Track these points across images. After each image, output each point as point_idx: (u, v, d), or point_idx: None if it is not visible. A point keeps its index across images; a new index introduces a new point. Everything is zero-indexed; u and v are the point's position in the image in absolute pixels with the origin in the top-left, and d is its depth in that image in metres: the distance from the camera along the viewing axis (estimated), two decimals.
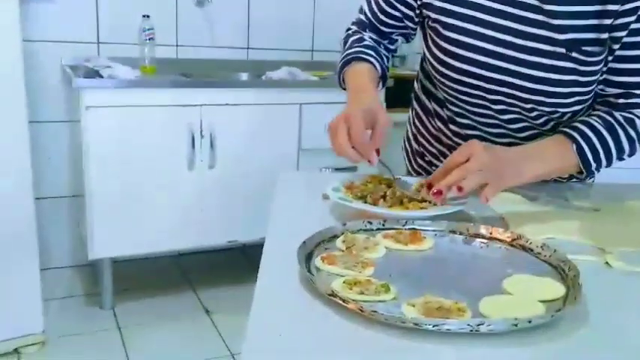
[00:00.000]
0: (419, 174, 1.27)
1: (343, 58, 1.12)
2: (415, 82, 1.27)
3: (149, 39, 2.58)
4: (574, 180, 1.17)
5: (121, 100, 2.26)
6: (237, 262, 3.00)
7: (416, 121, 1.26)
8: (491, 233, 0.81)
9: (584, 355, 0.57)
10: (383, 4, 1.11)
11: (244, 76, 2.83)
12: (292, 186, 1.09)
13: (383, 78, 1.13)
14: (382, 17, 1.13)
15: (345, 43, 1.15)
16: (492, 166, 0.85)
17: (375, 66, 1.10)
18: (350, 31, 1.18)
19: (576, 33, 0.94)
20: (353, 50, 1.11)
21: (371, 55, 1.10)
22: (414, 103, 1.27)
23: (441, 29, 1.02)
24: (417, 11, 1.08)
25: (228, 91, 2.44)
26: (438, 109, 1.17)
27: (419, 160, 1.28)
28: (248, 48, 2.97)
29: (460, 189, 0.82)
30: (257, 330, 0.58)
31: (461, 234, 0.83)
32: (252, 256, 3.03)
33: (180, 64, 2.77)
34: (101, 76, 2.28)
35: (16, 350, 2.08)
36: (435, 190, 0.84)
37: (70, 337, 2.23)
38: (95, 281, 2.55)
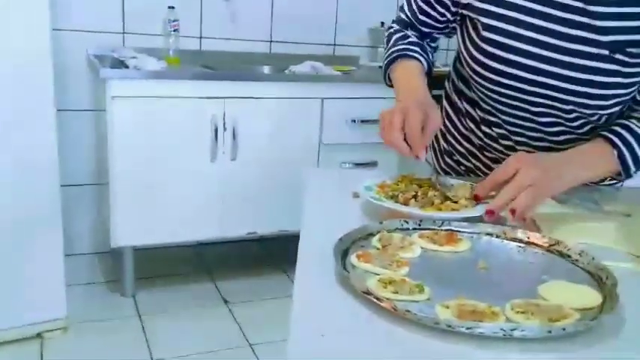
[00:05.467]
0: (446, 173, 1.28)
1: (389, 55, 1.15)
2: (446, 82, 1.27)
3: (174, 30, 2.60)
4: (603, 183, 1.17)
5: (147, 91, 2.29)
6: (255, 254, 3.02)
7: (445, 120, 1.26)
8: (528, 237, 0.81)
9: None
10: (422, 4, 1.13)
11: (266, 70, 2.84)
12: (320, 183, 1.09)
13: (429, 74, 1.15)
14: (422, 17, 1.15)
15: (389, 40, 1.19)
16: (541, 181, 0.85)
17: (422, 62, 1.13)
18: (392, 29, 1.20)
19: (621, 35, 0.94)
20: (398, 47, 1.14)
21: (417, 52, 1.13)
22: (444, 101, 1.27)
23: (480, 30, 1.02)
24: (456, 11, 1.09)
25: (251, 85, 2.45)
26: (470, 110, 1.17)
27: (447, 158, 1.29)
28: (271, 41, 2.98)
29: (513, 212, 0.83)
30: (300, 330, 0.59)
31: (498, 237, 0.82)
32: (268, 248, 3.05)
33: (203, 55, 2.79)
34: (127, 67, 2.30)
35: (39, 335, 2.12)
36: (488, 210, 0.86)
37: (92, 323, 2.27)
38: (117, 268, 2.58)
